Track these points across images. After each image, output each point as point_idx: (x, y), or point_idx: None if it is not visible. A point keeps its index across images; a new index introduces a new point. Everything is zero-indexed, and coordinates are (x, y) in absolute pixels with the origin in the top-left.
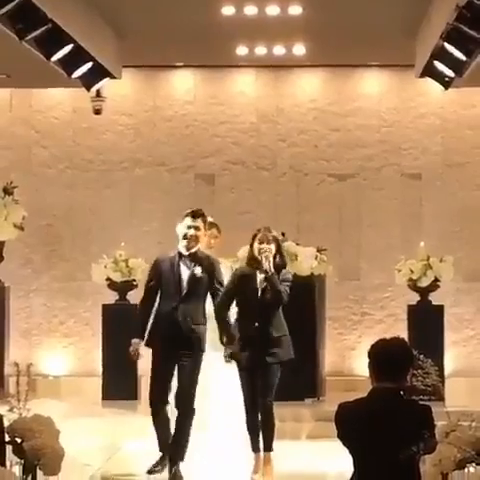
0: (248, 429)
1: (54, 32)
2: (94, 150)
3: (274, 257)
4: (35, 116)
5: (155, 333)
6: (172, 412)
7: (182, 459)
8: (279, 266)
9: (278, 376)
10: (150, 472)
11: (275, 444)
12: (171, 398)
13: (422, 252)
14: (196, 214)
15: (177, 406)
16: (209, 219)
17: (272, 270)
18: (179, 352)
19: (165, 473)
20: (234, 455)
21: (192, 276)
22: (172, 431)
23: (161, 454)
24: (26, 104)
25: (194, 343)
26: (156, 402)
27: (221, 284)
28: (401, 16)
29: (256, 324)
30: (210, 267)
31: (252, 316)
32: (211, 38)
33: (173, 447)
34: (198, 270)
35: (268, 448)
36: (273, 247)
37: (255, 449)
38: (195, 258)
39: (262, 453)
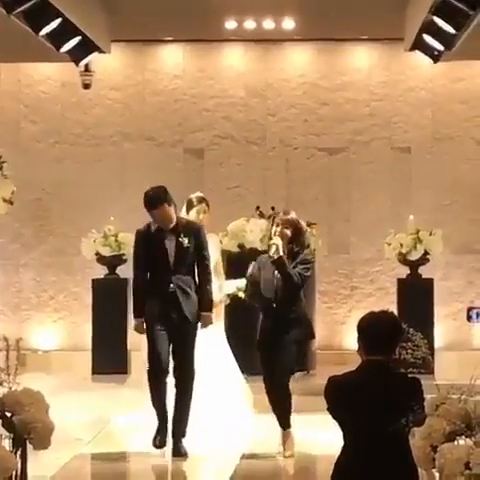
0: None
1: (42, 6)
2: (83, 124)
3: (290, 241)
4: (24, 90)
5: (150, 307)
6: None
7: (184, 435)
8: (295, 249)
9: (290, 355)
10: (158, 446)
11: (264, 417)
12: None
13: (412, 226)
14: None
15: (176, 380)
16: (198, 194)
17: (280, 253)
18: (173, 324)
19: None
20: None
21: (180, 247)
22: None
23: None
24: (14, 79)
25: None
26: (157, 372)
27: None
28: None
29: (274, 306)
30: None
31: (269, 299)
32: (200, 12)
33: (175, 423)
34: (185, 240)
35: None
36: (288, 231)
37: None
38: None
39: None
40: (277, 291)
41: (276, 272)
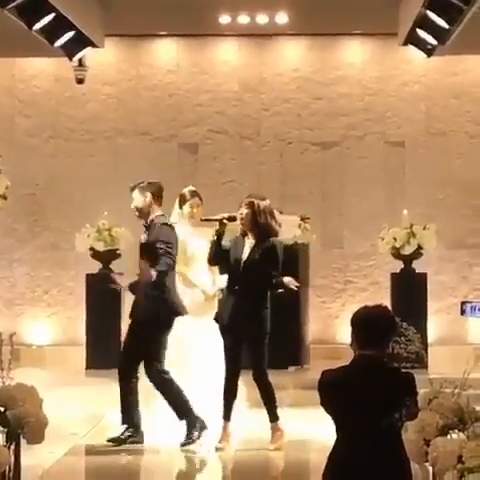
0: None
1: (36, 1)
2: (77, 119)
3: (251, 222)
4: (17, 85)
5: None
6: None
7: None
8: (256, 231)
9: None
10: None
11: (258, 412)
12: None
13: (405, 220)
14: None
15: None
16: (191, 188)
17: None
18: None
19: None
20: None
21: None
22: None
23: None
24: (8, 73)
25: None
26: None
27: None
28: None
29: (235, 287)
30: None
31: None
32: (194, 7)
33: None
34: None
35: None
36: (244, 211)
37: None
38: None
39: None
40: (242, 273)
41: (243, 257)
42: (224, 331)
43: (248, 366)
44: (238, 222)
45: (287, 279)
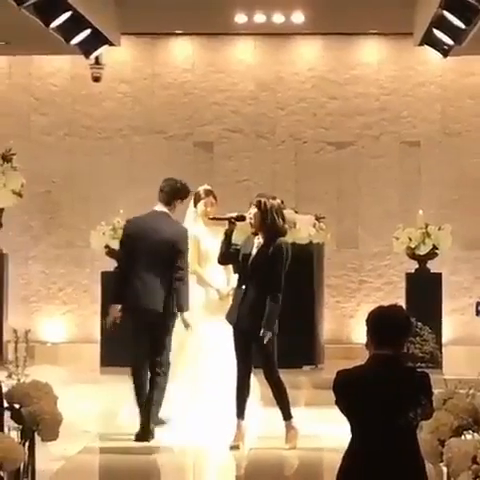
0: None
1: None
2: (93, 117)
3: (260, 222)
4: (34, 83)
5: None
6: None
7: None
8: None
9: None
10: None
11: (272, 411)
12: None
13: (420, 220)
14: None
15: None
16: (205, 186)
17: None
18: None
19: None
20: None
21: None
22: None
23: None
24: (25, 71)
25: None
26: None
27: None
28: None
29: (242, 287)
30: None
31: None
32: (210, 6)
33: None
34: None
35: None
36: (253, 210)
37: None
38: None
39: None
40: (250, 271)
41: (252, 255)
42: (234, 330)
43: (260, 365)
44: (247, 222)
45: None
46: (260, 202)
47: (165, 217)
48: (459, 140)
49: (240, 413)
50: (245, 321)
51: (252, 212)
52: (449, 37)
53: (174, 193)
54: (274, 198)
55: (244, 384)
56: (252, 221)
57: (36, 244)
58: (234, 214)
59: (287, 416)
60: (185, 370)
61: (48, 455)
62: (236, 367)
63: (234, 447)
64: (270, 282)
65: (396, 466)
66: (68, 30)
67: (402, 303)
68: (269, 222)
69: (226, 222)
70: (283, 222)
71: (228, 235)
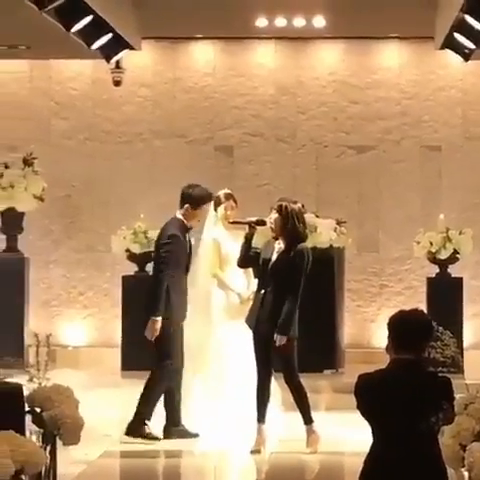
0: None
1: (74, 3)
2: (113, 121)
3: (282, 227)
4: (54, 87)
5: None
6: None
7: None
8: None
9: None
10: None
11: (293, 415)
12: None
13: (441, 224)
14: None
15: None
16: (226, 190)
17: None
18: None
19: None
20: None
21: None
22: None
23: None
24: (46, 75)
25: None
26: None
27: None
28: None
29: (262, 291)
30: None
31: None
32: (231, 10)
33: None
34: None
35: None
36: (273, 215)
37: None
38: None
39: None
40: (270, 275)
41: (272, 260)
42: (254, 334)
43: (280, 369)
44: (268, 226)
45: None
46: (281, 207)
47: (170, 221)
48: None
49: (261, 417)
50: (264, 325)
51: (273, 217)
52: (470, 41)
53: (185, 198)
54: (295, 202)
55: (264, 388)
56: (273, 226)
57: (57, 248)
58: (254, 218)
59: (308, 420)
60: (206, 374)
61: (69, 459)
62: (256, 371)
63: (255, 451)
64: (289, 287)
65: (417, 471)
66: (89, 34)
67: (423, 307)
68: (290, 227)
69: (246, 226)
70: (304, 227)
71: (248, 239)
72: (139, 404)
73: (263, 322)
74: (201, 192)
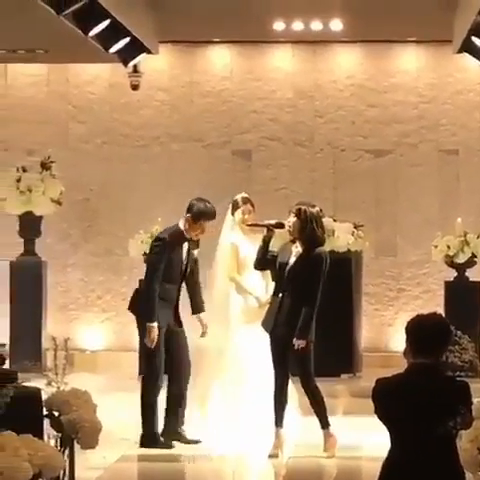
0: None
1: (92, 7)
2: (131, 125)
3: (300, 231)
4: (72, 91)
5: None
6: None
7: None
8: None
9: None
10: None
11: (311, 419)
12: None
13: (459, 228)
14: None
15: None
16: (243, 194)
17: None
18: None
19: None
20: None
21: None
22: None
23: None
24: (63, 79)
25: None
26: None
27: None
28: None
29: (279, 295)
30: None
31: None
32: (248, 13)
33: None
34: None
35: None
36: (292, 219)
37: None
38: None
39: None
40: (287, 279)
41: (289, 264)
42: (270, 338)
43: (296, 373)
44: (286, 229)
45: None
46: (300, 210)
47: (169, 226)
48: None
49: (278, 421)
50: (282, 329)
51: (291, 220)
52: None
53: (189, 208)
54: (313, 206)
55: (282, 392)
56: (291, 229)
57: (75, 252)
58: (273, 221)
59: (325, 424)
60: (224, 378)
61: (87, 463)
62: (273, 375)
63: (273, 455)
64: (307, 291)
65: (435, 475)
66: (107, 38)
67: (441, 311)
68: (308, 231)
69: (264, 229)
70: (322, 231)
71: (266, 242)
72: (141, 414)
73: (280, 326)
74: (204, 208)
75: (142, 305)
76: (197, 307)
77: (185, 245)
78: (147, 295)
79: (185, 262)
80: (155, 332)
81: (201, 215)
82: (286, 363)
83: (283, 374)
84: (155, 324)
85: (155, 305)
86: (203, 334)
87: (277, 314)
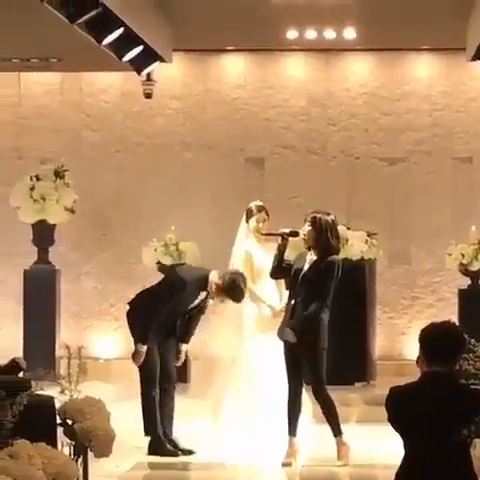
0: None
1: (105, 16)
2: (144, 134)
3: (315, 240)
4: (85, 100)
5: None
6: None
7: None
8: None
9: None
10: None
11: (325, 428)
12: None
13: (473, 236)
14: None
15: None
16: (257, 202)
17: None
18: None
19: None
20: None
21: None
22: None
23: None
24: (77, 88)
25: None
26: None
27: None
28: None
29: (292, 302)
30: None
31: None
32: (261, 22)
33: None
34: None
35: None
36: (307, 227)
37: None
38: None
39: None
40: (300, 286)
41: (303, 270)
42: (284, 346)
43: (308, 381)
44: (301, 237)
45: None
46: (315, 219)
47: (200, 273)
48: None
49: (292, 430)
50: (295, 336)
51: (306, 229)
52: None
53: (225, 277)
54: (328, 214)
55: (295, 401)
56: (306, 238)
57: (88, 260)
58: (287, 230)
59: (337, 432)
60: (237, 387)
61: (100, 471)
62: (287, 383)
63: (286, 464)
64: (319, 295)
65: None
66: (120, 47)
67: (455, 319)
68: (323, 240)
69: (279, 238)
70: (337, 240)
71: (281, 250)
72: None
73: (293, 334)
74: (239, 291)
75: (136, 327)
76: (184, 338)
77: (201, 295)
78: (144, 325)
79: (196, 303)
80: (142, 355)
81: (231, 294)
82: (299, 371)
83: (297, 383)
84: (144, 348)
85: (150, 332)
86: (178, 362)
87: (290, 321)
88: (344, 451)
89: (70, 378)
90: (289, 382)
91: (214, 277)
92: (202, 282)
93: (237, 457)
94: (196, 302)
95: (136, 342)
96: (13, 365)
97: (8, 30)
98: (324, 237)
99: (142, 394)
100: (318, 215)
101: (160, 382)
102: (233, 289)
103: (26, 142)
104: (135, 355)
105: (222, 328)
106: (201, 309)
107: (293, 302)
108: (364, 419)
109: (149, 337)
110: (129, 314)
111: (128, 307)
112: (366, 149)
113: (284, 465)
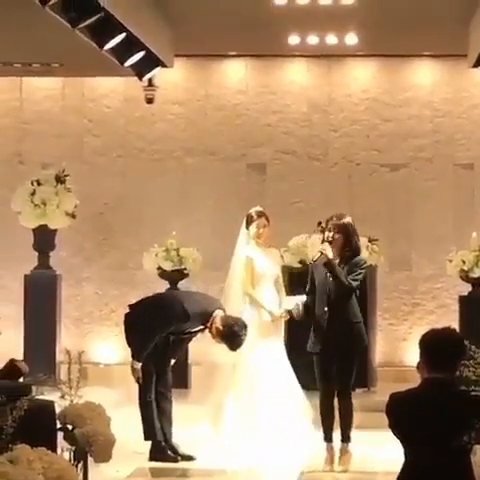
0: None
1: (107, 21)
2: (146, 139)
3: (343, 246)
4: (87, 105)
5: None
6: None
7: None
8: (347, 254)
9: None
10: None
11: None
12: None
13: (474, 243)
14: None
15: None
16: (258, 208)
17: (329, 256)
18: None
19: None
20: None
21: None
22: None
23: None
24: (78, 93)
25: None
26: None
27: None
28: (454, 5)
29: (325, 309)
30: None
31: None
32: (263, 27)
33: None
34: None
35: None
36: (339, 237)
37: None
38: None
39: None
40: (330, 294)
41: (328, 276)
42: (319, 357)
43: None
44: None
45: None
46: (345, 227)
47: (202, 309)
48: None
49: (327, 436)
50: (333, 342)
51: (335, 237)
52: None
53: (227, 322)
54: (345, 216)
55: (329, 407)
56: (332, 245)
57: (89, 265)
58: (326, 246)
59: (346, 439)
60: (237, 392)
61: (101, 476)
62: (320, 392)
63: (327, 471)
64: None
65: None
66: (122, 52)
67: (455, 326)
68: (353, 245)
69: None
70: (359, 240)
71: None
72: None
73: (332, 346)
74: (237, 340)
75: (133, 343)
76: (173, 355)
77: (196, 329)
78: (140, 345)
79: (192, 331)
80: (138, 372)
81: (228, 342)
82: (332, 379)
83: (330, 390)
84: (139, 365)
85: (145, 352)
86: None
87: (327, 332)
88: (346, 458)
89: (70, 383)
90: (322, 389)
91: (217, 317)
92: (204, 318)
93: (237, 463)
94: (193, 330)
95: (132, 356)
96: (12, 366)
97: (10, 35)
98: (354, 242)
99: (139, 399)
100: (342, 221)
101: (157, 387)
102: (231, 338)
103: (27, 147)
104: (132, 371)
105: None
106: (194, 335)
107: (326, 309)
108: (365, 425)
109: (144, 355)
110: (126, 322)
111: (128, 310)
112: (367, 155)
113: (325, 471)
